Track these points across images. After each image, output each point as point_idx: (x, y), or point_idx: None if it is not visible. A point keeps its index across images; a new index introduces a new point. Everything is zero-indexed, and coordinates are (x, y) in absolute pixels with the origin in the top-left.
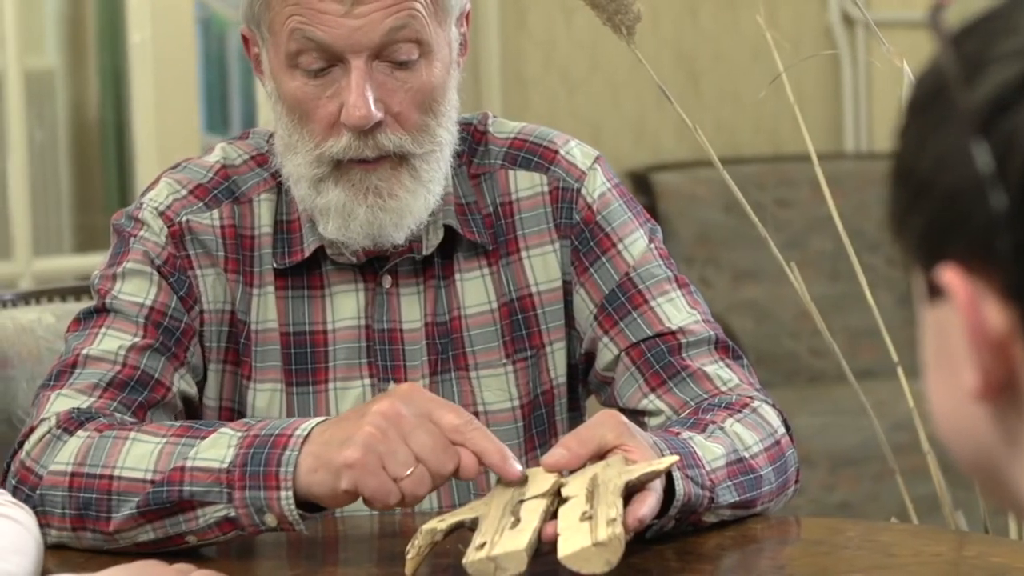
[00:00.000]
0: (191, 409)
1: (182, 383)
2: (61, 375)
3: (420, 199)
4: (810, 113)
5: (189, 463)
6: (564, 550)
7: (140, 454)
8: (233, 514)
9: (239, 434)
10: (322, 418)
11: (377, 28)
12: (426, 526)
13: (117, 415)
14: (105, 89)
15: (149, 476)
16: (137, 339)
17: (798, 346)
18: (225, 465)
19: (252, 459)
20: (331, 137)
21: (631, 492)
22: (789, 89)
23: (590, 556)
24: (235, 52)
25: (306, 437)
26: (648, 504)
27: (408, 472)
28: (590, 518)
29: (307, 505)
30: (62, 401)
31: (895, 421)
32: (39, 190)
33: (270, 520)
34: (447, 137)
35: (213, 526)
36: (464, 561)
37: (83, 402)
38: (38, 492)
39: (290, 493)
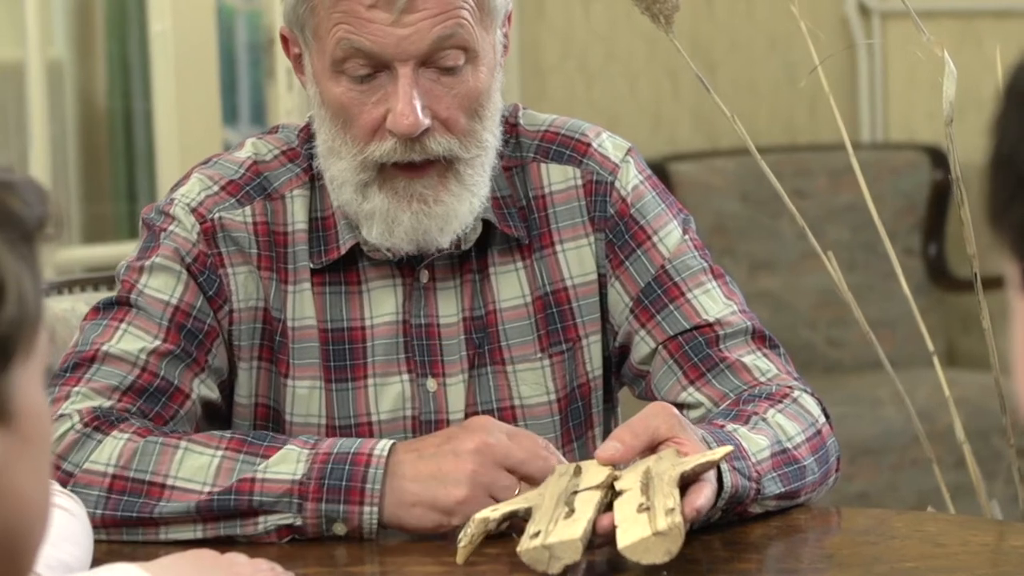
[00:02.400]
0: (212, 413)
1: (202, 388)
2: (78, 367)
3: (465, 204)
4: (825, 103)
5: (260, 475)
6: (624, 540)
7: (196, 466)
8: (299, 523)
9: (308, 451)
10: (392, 440)
11: (425, 37)
12: (479, 515)
13: (134, 420)
14: (113, 80)
15: (207, 489)
16: (158, 342)
17: (815, 336)
18: (298, 478)
19: (331, 474)
20: (374, 141)
21: (686, 483)
22: (825, 80)
23: (650, 546)
24: (244, 43)
25: (387, 458)
26: (704, 495)
27: (516, 494)
28: (648, 509)
29: None
30: (80, 399)
31: (913, 411)
32: (48, 181)
33: (339, 529)
34: (492, 140)
35: (271, 531)
36: (519, 549)
37: (102, 403)
38: (68, 488)
39: (375, 508)
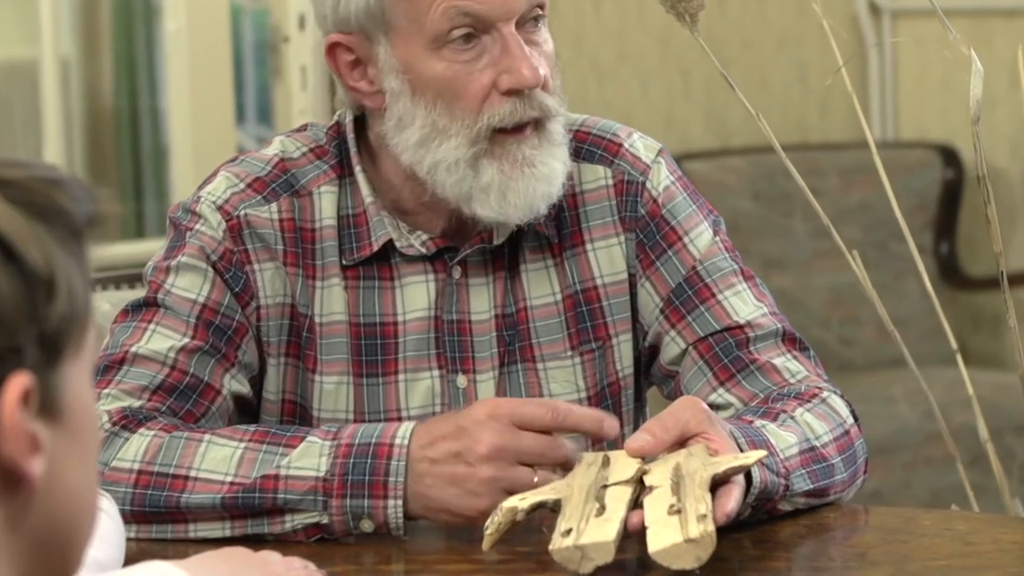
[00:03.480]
0: (244, 408)
1: (233, 383)
2: (108, 370)
3: (559, 161)
4: (836, 102)
5: (283, 472)
6: (655, 545)
7: (218, 457)
8: (326, 521)
9: (329, 443)
10: (413, 423)
11: None
12: (506, 504)
13: (164, 419)
14: (120, 78)
15: (229, 479)
16: (187, 340)
17: (827, 335)
18: (322, 474)
19: (354, 469)
20: (486, 109)
21: (716, 484)
22: (848, 80)
23: (681, 552)
24: (251, 42)
25: (408, 447)
26: (734, 498)
27: (536, 481)
28: (679, 511)
29: None
30: (110, 401)
31: (927, 410)
32: None
33: (366, 526)
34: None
35: (299, 531)
36: (551, 548)
37: (132, 403)
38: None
39: (399, 502)
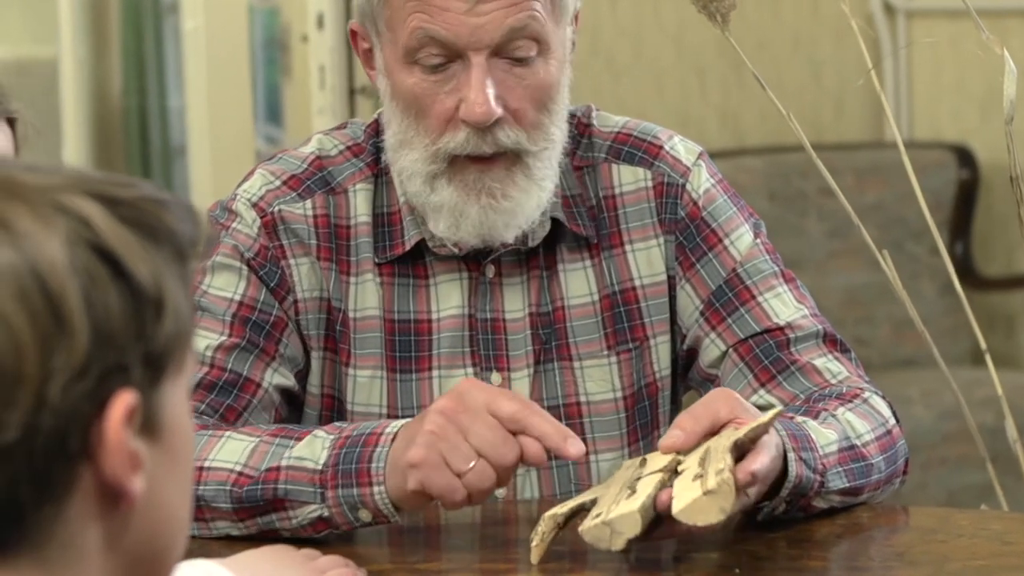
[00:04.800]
0: (293, 401)
1: (276, 377)
2: None
3: (533, 198)
4: (850, 102)
5: (284, 463)
6: (677, 506)
7: (232, 448)
8: (327, 513)
9: (332, 436)
10: (407, 420)
11: (499, 27)
12: (548, 513)
13: (205, 418)
14: (128, 77)
15: (238, 468)
16: (224, 338)
17: (842, 335)
18: (319, 465)
19: (344, 458)
20: (447, 132)
21: (743, 453)
22: (877, 81)
23: (702, 506)
24: (259, 40)
25: (395, 435)
26: (759, 460)
27: (470, 466)
28: (701, 476)
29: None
30: None
31: (943, 410)
32: None
33: (364, 516)
34: (559, 135)
35: (307, 526)
36: (580, 529)
37: None
38: None
39: (383, 488)
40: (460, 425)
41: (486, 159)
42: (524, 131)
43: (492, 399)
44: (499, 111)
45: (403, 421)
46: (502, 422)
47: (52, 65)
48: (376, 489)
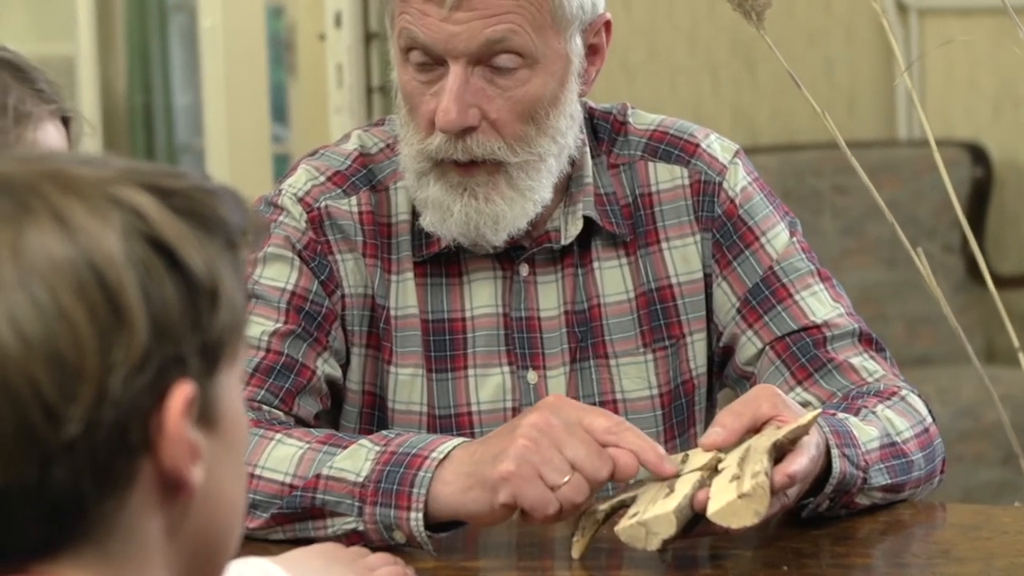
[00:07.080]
0: (336, 392)
1: (326, 367)
2: None
3: (517, 207)
4: (863, 100)
5: (326, 471)
6: (712, 508)
7: (282, 456)
8: (362, 528)
9: (377, 448)
10: (462, 440)
11: (475, 37)
12: (589, 509)
13: (265, 407)
14: (133, 74)
15: (288, 480)
16: (279, 324)
17: None
18: (360, 479)
19: (387, 476)
20: (431, 135)
21: (783, 454)
22: (908, 80)
23: (737, 509)
24: (267, 39)
25: (443, 459)
26: (798, 461)
27: (565, 480)
28: (738, 478)
29: (447, 524)
30: None
31: (958, 408)
32: None
33: (399, 537)
34: (551, 148)
35: (341, 537)
36: (616, 528)
37: None
38: None
39: (420, 515)
40: (554, 439)
41: (464, 165)
42: (503, 141)
43: (585, 414)
44: (470, 121)
45: (456, 441)
46: (595, 436)
47: (61, 62)
48: (413, 515)
